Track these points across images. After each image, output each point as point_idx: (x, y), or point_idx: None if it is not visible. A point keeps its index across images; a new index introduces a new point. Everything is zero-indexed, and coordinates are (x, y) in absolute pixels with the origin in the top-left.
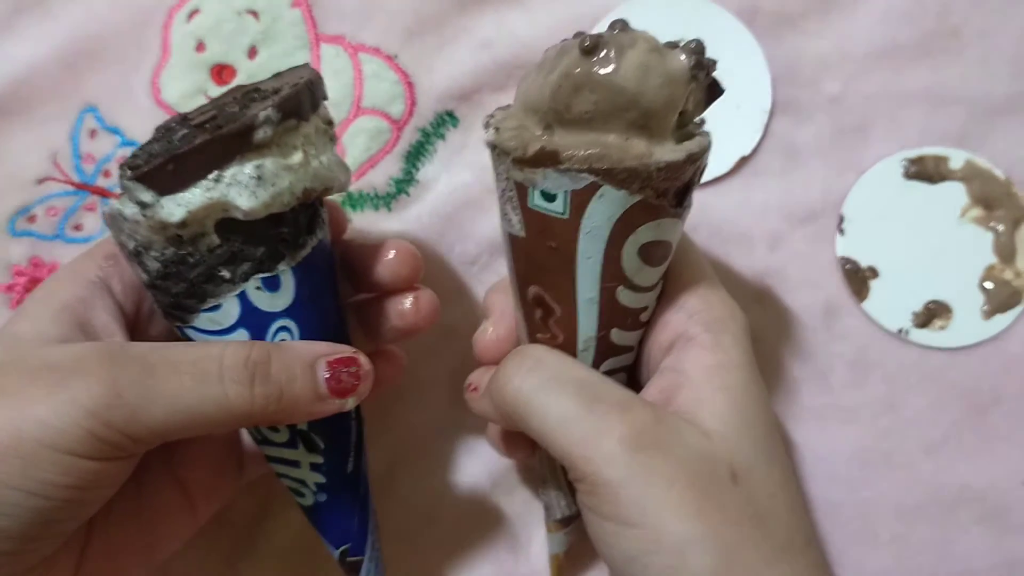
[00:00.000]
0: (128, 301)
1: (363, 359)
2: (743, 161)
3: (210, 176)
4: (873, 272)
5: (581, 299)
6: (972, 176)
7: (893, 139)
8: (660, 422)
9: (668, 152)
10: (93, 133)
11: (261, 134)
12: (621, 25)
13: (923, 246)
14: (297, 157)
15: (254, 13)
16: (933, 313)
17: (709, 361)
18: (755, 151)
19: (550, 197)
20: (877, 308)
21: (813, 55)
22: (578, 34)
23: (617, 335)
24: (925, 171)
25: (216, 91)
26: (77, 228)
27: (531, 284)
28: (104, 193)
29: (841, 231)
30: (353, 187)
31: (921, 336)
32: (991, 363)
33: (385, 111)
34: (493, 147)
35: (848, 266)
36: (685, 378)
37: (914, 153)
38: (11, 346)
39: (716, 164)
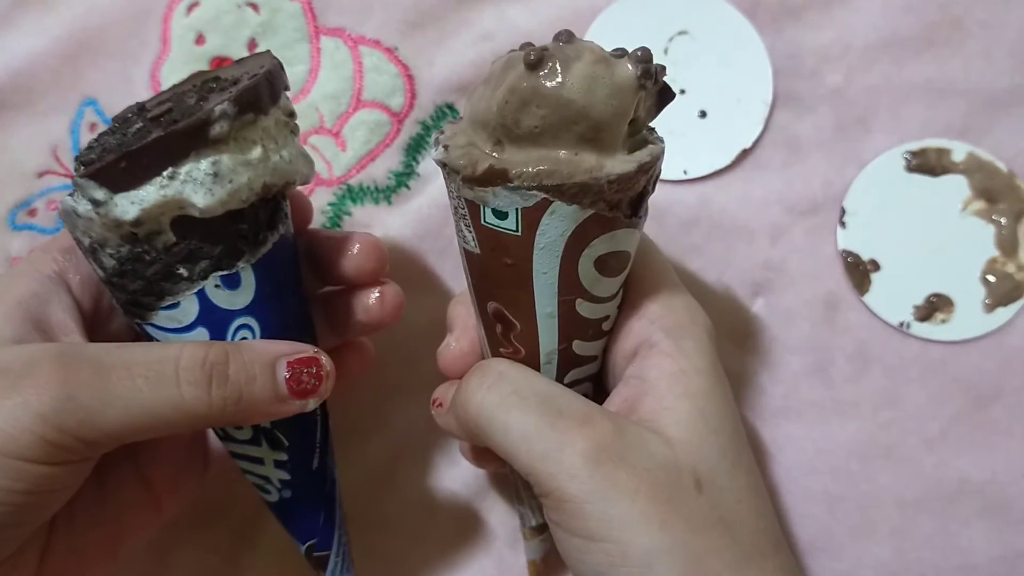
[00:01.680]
0: (86, 296)
1: (324, 359)
2: (744, 154)
3: (164, 173)
4: (874, 265)
5: (540, 314)
6: (974, 169)
7: (895, 131)
8: (622, 434)
9: (619, 164)
10: (93, 126)
11: (217, 129)
12: (566, 36)
13: (925, 239)
14: (256, 152)
15: (254, 6)
16: (935, 306)
17: (671, 368)
18: (756, 144)
19: (502, 215)
20: (878, 301)
21: (814, 47)
22: (524, 45)
23: (579, 346)
24: (927, 164)
25: None
26: None
27: (490, 300)
28: None
29: (842, 224)
30: (353, 180)
31: (922, 329)
32: (993, 357)
33: (385, 104)
34: (443, 165)
35: (849, 259)
36: (648, 386)
37: (916, 146)
38: None
39: (717, 157)
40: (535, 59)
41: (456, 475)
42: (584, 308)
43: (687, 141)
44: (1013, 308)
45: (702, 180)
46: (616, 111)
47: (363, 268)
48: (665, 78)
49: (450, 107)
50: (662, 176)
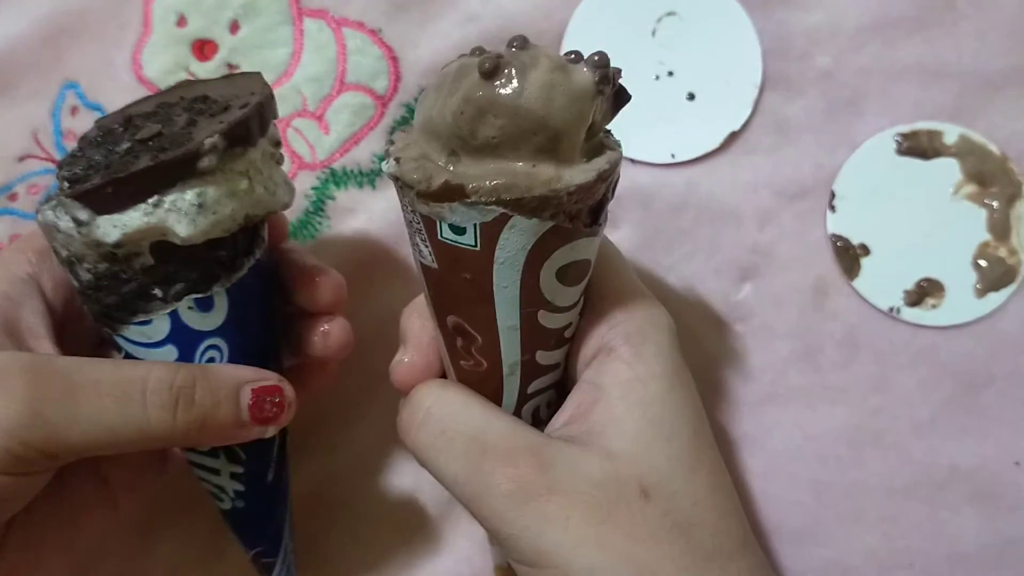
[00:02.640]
0: (58, 300)
1: (287, 388)
2: (733, 137)
3: (150, 201)
4: (864, 250)
5: (502, 327)
6: (966, 151)
7: (886, 114)
8: (547, 468)
9: (578, 174)
10: (74, 110)
11: (206, 162)
12: (520, 42)
13: (916, 223)
14: (242, 184)
15: None
16: (925, 291)
17: (626, 375)
18: (745, 127)
19: (459, 230)
20: (868, 286)
21: (804, 28)
22: (476, 50)
23: (542, 356)
24: (918, 146)
25: (198, 67)
26: None
27: (449, 313)
28: None
29: (832, 208)
30: (336, 164)
31: (913, 314)
32: (983, 342)
33: (369, 87)
34: (395, 179)
35: (839, 243)
36: (602, 393)
37: (907, 128)
38: None
39: (705, 140)
40: (491, 67)
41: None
42: (546, 319)
43: (675, 124)
44: (1005, 293)
45: (690, 164)
46: (575, 119)
47: (317, 301)
48: (621, 80)
49: None
50: (650, 159)
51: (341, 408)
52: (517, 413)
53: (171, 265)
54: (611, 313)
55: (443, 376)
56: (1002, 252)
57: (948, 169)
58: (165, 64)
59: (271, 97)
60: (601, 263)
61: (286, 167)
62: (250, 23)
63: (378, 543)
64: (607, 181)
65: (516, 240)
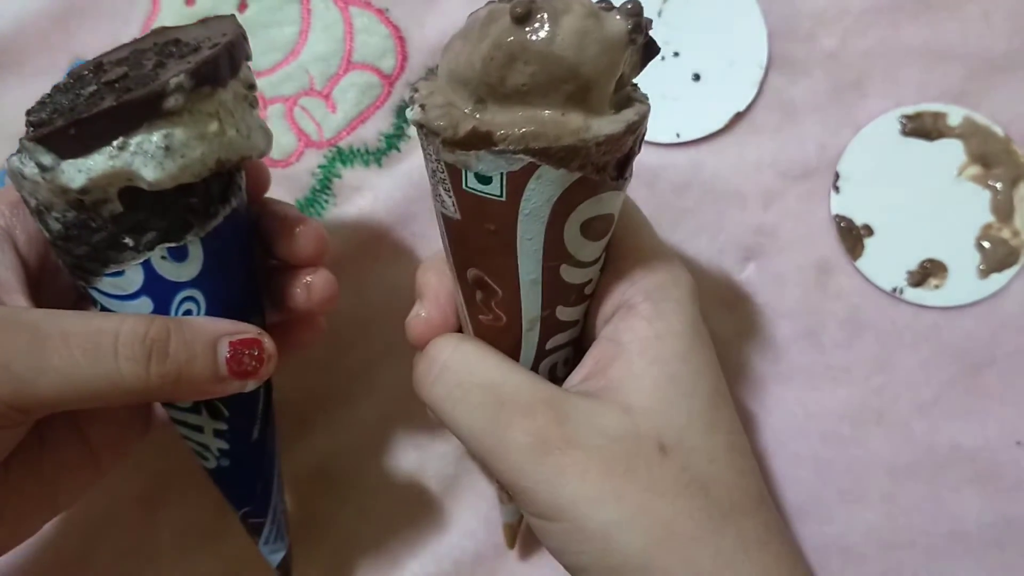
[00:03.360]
0: (32, 254)
1: (267, 341)
2: (738, 117)
3: (114, 143)
4: (868, 230)
5: (523, 280)
6: (970, 133)
7: (890, 95)
8: (565, 420)
9: (606, 124)
10: None
11: (172, 102)
12: None
13: (919, 204)
14: (212, 126)
15: None
16: (928, 272)
17: (646, 332)
18: (750, 107)
19: (485, 180)
20: (871, 267)
21: (810, 9)
22: None
23: (562, 312)
24: (923, 128)
25: None
26: None
27: (470, 266)
28: None
29: (836, 189)
30: (343, 143)
31: (916, 295)
32: (986, 323)
33: (376, 66)
34: (420, 126)
35: (843, 224)
36: (620, 349)
37: (912, 110)
38: None
39: (710, 120)
40: (523, 12)
41: (442, 436)
42: (568, 273)
43: (680, 104)
44: (1008, 274)
45: (695, 143)
46: (607, 67)
47: (298, 253)
48: (651, 32)
49: None
50: (655, 139)
51: (344, 385)
52: (534, 369)
53: (141, 212)
54: (632, 270)
55: (459, 332)
56: (1005, 233)
57: (952, 150)
58: None
59: (243, 37)
60: (623, 221)
61: (293, 145)
62: (258, 2)
63: (384, 518)
64: (635, 133)
65: (543, 191)
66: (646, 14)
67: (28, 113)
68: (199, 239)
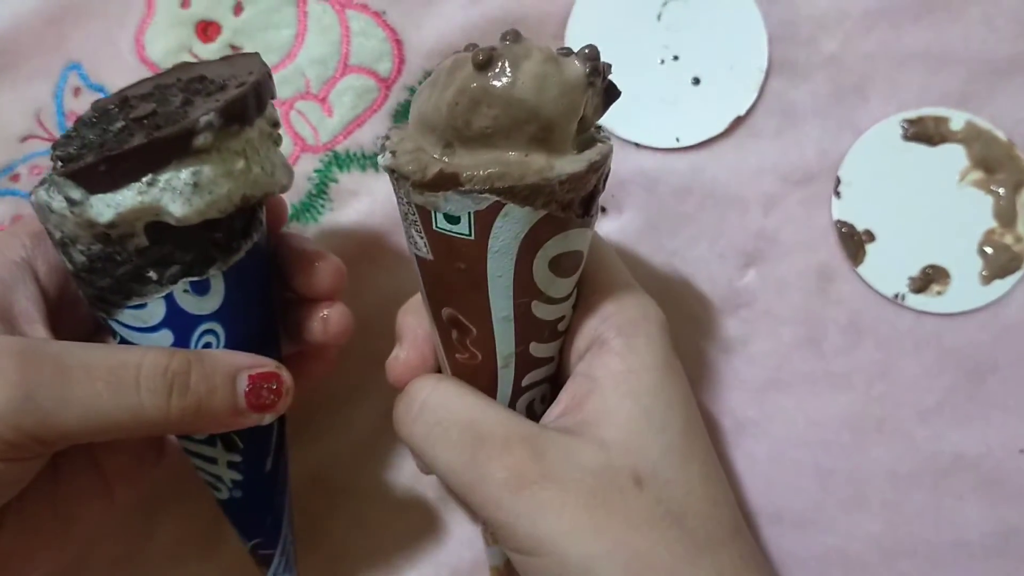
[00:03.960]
0: (52, 285)
1: (285, 375)
2: (738, 121)
3: (143, 179)
4: (869, 236)
5: (496, 317)
6: (973, 138)
7: (892, 100)
8: (542, 456)
9: (569, 164)
10: (77, 91)
11: (201, 140)
12: (513, 35)
13: (921, 209)
14: (239, 164)
15: None
16: (930, 278)
17: (619, 367)
18: (750, 111)
19: (454, 219)
20: (873, 273)
21: (810, 13)
22: (469, 46)
23: (536, 348)
24: (925, 132)
25: (201, 48)
26: None
27: (444, 306)
28: None
29: (837, 194)
30: (340, 147)
31: (917, 301)
32: (988, 329)
33: (373, 69)
34: (391, 171)
35: (844, 229)
36: (595, 384)
37: (913, 114)
38: None
39: (710, 124)
40: (484, 59)
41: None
42: (540, 310)
43: (680, 108)
44: (1010, 280)
45: (695, 148)
46: (567, 109)
47: (316, 287)
48: (610, 76)
49: None
50: (654, 143)
51: (341, 392)
52: (512, 406)
53: (166, 246)
54: (603, 306)
55: (438, 372)
56: (1008, 239)
57: (954, 155)
58: (168, 45)
59: (268, 76)
60: (593, 258)
61: (289, 149)
62: (254, 4)
63: (379, 527)
64: (598, 172)
65: (510, 228)
66: (644, 17)
67: (54, 147)
68: (221, 273)
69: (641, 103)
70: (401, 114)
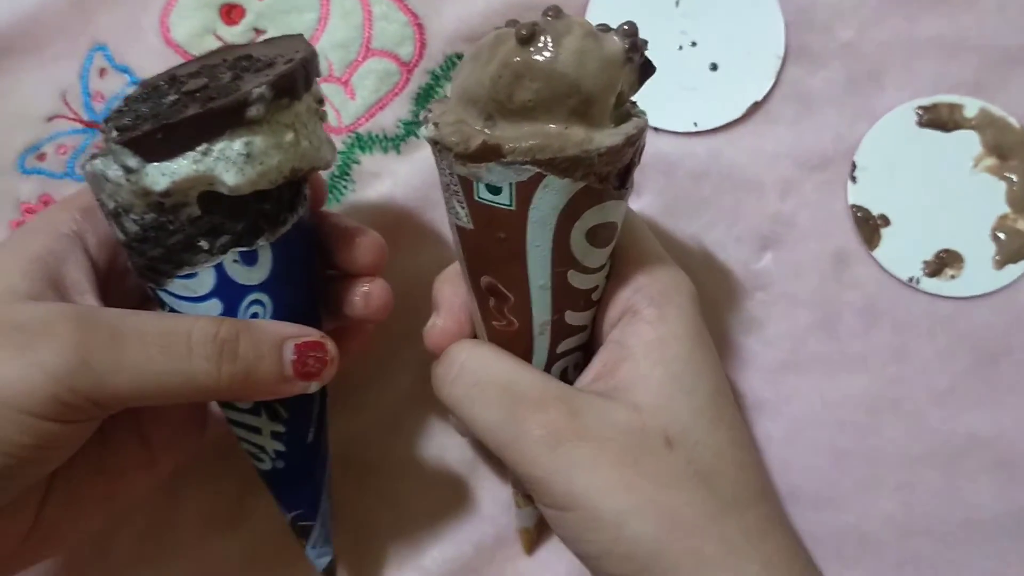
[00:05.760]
0: (101, 257)
1: (330, 345)
2: (755, 107)
3: (198, 149)
4: (884, 220)
5: (533, 286)
6: (986, 125)
7: (907, 86)
8: (577, 414)
9: (607, 137)
10: (103, 72)
11: (254, 111)
12: (554, 11)
13: (935, 195)
14: (288, 136)
15: None
16: (944, 262)
17: (651, 335)
18: (767, 97)
19: (495, 190)
20: (888, 257)
21: (827, 1)
22: (510, 22)
23: (571, 316)
24: (939, 119)
25: (225, 31)
26: None
27: (483, 274)
28: None
29: (853, 179)
30: (362, 129)
31: (932, 285)
32: (1002, 313)
33: (394, 53)
34: (434, 143)
35: (859, 214)
36: (627, 352)
37: (928, 101)
38: None
39: (727, 110)
40: (527, 34)
41: (449, 445)
42: (575, 279)
43: (698, 94)
44: (1023, 265)
45: (712, 133)
46: (606, 84)
47: (358, 262)
48: (647, 52)
49: (460, 56)
50: (672, 128)
51: (367, 370)
52: (547, 372)
53: (217, 216)
54: (635, 277)
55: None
56: (1020, 225)
57: (968, 142)
58: (193, 27)
59: (315, 54)
60: (626, 230)
61: None
62: None
63: (404, 503)
64: (635, 145)
65: (549, 199)
66: (662, 3)
67: (106, 120)
68: (269, 244)
69: (659, 88)
70: (422, 97)
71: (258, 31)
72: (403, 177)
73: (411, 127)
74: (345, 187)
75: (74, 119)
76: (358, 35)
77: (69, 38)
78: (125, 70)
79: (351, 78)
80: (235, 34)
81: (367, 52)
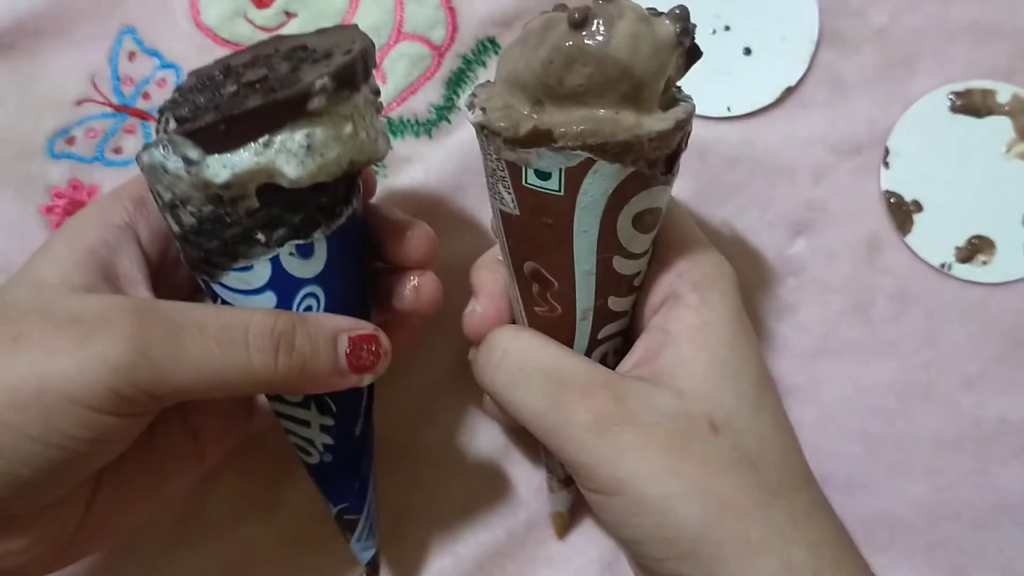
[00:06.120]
0: (153, 249)
1: (383, 338)
2: (788, 92)
3: (260, 140)
4: (917, 206)
5: (578, 271)
6: (1019, 110)
7: (940, 72)
8: (623, 399)
9: (657, 122)
10: (132, 55)
11: (316, 103)
12: None
13: (968, 181)
14: (347, 128)
15: None
16: (976, 248)
17: (694, 321)
18: (801, 82)
19: (544, 175)
20: (920, 242)
21: None
22: (559, 6)
23: (614, 302)
24: (972, 105)
25: (256, 14)
26: (116, 151)
27: (527, 260)
28: (144, 116)
29: (886, 164)
30: (394, 114)
31: (963, 271)
32: None
33: (426, 37)
34: (481, 128)
35: (892, 200)
36: (670, 337)
37: (961, 86)
38: (35, 291)
39: (761, 94)
40: (580, 18)
41: (480, 432)
42: (620, 264)
43: (731, 78)
44: None
45: (746, 118)
46: (658, 68)
47: (409, 255)
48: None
49: (491, 40)
50: (705, 113)
51: (399, 356)
52: (587, 357)
53: (275, 208)
54: (678, 262)
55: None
56: None
57: (1001, 128)
58: (223, 10)
59: (372, 46)
60: (669, 216)
61: None
62: None
63: (436, 488)
64: (683, 130)
65: (599, 185)
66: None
67: (161, 111)
68: (325, 237)
69: (693, 72)
70: (454, 82)
71: (289, 14)
72: (435, 162)
73: (443, 112)
74: (377, 172)
75: (103, 103)
76: (390, 18)
77: (98, 21)
78: (155, 53)
79: (382, 62)
80: (266, 17)
81: (398, 36)
